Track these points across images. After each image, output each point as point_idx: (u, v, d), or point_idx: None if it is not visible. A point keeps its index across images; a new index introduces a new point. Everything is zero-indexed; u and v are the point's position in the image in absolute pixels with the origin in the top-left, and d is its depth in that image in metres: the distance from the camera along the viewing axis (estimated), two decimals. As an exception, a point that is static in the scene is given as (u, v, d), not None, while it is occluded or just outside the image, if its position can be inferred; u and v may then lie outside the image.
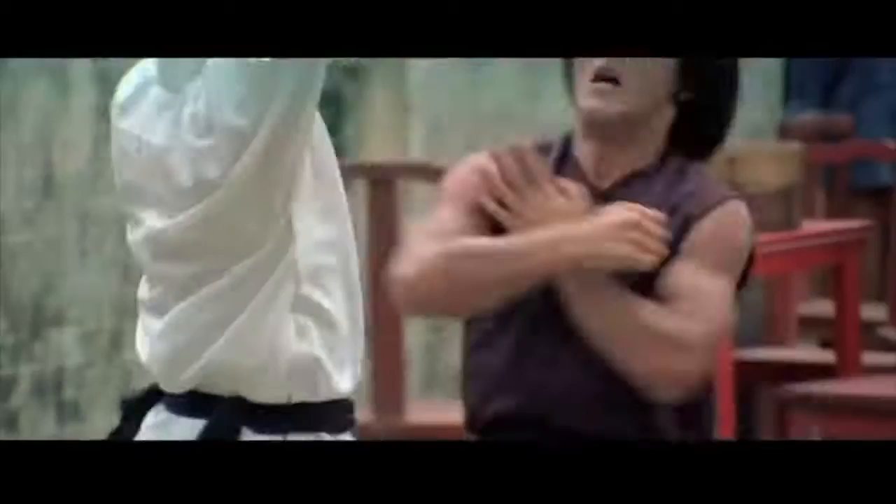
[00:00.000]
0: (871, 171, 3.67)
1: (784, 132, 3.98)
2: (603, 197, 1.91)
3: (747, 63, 4.38)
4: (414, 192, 3.17)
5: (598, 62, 1.96)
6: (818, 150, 3.54)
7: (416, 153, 3.22)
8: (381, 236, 2.99)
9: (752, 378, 3.15)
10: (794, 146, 3.35)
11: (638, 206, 1.79)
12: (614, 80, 1.94)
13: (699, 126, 1.99)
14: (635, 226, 1.80)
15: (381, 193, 3.00)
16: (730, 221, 1.96)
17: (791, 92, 4.24)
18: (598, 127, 1.94)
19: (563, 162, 1.96)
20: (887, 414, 2.89)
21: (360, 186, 3.03)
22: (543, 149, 1.98)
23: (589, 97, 1.94)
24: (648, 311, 1.84)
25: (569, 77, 1.99)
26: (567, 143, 2.00)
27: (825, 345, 3.55)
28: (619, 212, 1.82)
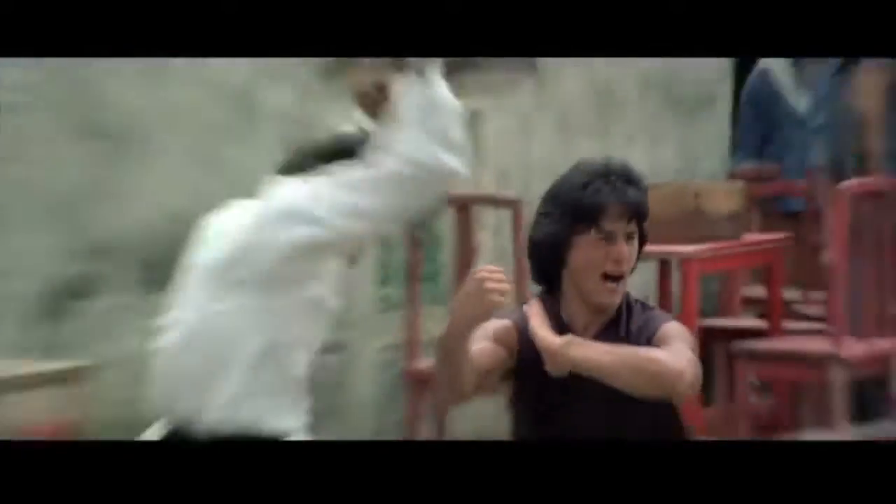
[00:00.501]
0: (790, 202, 4.72)
1: (732, 175, 4.95)
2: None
3: (701, 129, 5.32)
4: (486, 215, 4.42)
5: (608, 267, 2.27)
6: (755, 188, 4.52)
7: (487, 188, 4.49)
8: (464, 245, 4.27)
9: (711, 339, 4.36)
10: (739, 184, 4.33)
11: (480, 269, 2.12)
12: (621, 277, 2.29)
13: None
14: (482, 280, 2.09)
15: (463, 217, 4.28)
16: (675, 327, 2.35)
17: (736, 148, 5.23)
18: (601, 312, 2.31)
19: (553, 318, 2.25)
20: (801, 360, 4.16)
21: (448, 212, 4.29)
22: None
23: (601, 295, 2.27)
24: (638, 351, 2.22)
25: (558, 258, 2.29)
26: (555, 304, 2.31)
27: (761, 316, 4.47)
28: (468, 280, 2.13)
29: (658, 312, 2.43)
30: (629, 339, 2.31)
